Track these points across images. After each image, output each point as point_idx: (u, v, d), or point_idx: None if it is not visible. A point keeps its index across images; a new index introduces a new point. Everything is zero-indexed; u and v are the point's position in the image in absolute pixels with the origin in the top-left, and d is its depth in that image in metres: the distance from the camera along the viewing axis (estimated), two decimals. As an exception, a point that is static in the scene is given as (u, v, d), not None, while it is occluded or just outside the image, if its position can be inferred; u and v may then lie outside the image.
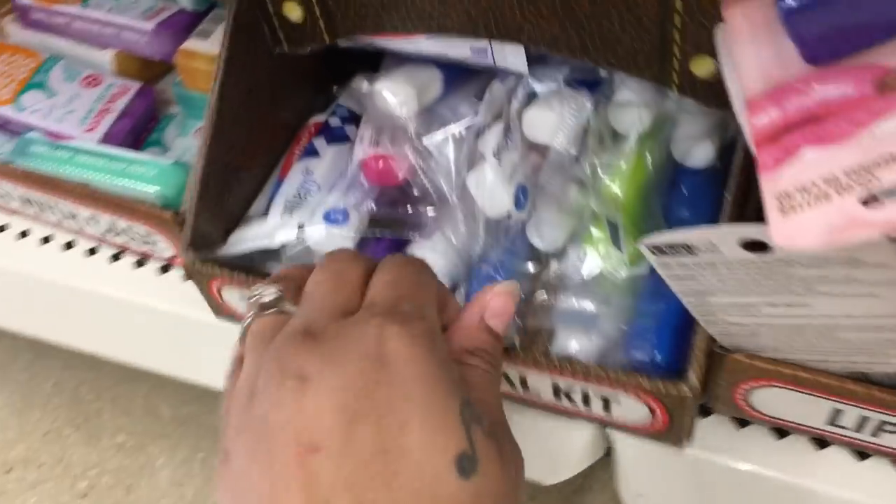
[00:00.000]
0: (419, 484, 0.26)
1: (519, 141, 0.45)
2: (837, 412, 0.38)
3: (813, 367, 0.36)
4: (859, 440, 0.40)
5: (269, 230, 0.47)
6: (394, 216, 0.47)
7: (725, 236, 0.29)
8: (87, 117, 0.58)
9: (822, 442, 0.43)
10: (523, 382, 0.41)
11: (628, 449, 0.45)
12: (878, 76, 0.26)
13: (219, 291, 0.46)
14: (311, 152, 0.50)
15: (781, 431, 0.43)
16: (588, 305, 0.43)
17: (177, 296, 0.53)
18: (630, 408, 0.39)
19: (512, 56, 0.41)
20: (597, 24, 0.37)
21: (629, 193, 0.40)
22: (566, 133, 0.41)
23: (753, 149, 0.27)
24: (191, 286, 0.47)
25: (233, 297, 0.46)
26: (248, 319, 0.32)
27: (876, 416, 0.37)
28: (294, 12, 0.43)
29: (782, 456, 0.42)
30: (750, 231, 0.28)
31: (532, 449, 0.47)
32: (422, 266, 0.34)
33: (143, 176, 0.52)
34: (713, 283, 0.32)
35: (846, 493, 0.41)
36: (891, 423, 0.38)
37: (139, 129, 0.59)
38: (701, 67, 0.37)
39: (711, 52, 0.37)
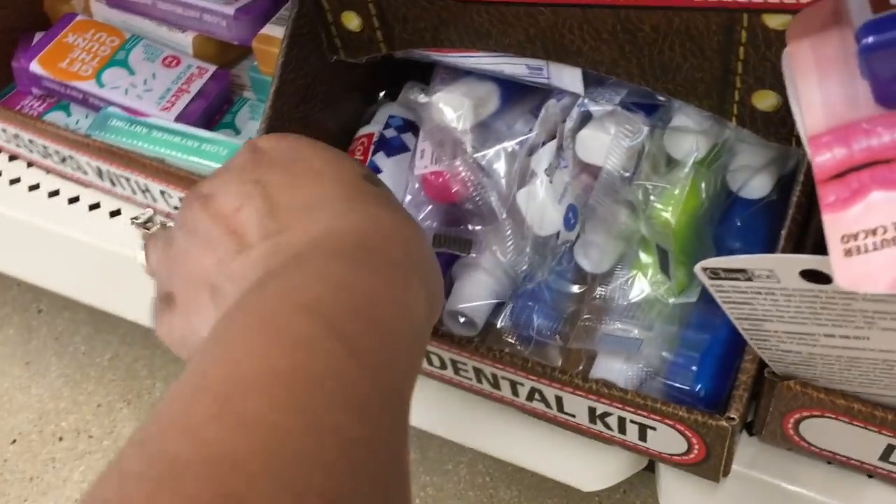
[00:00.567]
0: (341, 179, 0.33)
1: (571, 161, 0.44)
2: (892, 448, 0.37)
3: (867, 399, 0.35)
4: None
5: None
6: (452, 233, 0.47)
7: (786, 264, 0.28)
8: (164, 96, 0.60)
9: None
10: (559, 404, 0.41)
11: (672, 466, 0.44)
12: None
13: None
14: (374, 170, 0.50)
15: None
16: (632, 331, 0.42)
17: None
18: (667, 438, 0.39)
19: (568, 76, 0.41)
20: (657, 51, 0.37)
21: (681, 221, 0.40)
22: (619, 155, 0.41)
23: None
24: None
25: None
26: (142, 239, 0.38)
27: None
28: (352, 21, 0.43)
29: (833, 481, 0.41)
30: (812, 262, 0.27)
31: (572, 455, 0.47)
32: None
33: (215, 155, 0.54)
34: (769, 310, 0.31)
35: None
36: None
37: (213, 111, 0.61)
38: (763, 101, 0.37)
39: (774, 87, 0.36)
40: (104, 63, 0.61)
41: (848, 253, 0.25)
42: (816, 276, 0.29)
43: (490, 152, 0.43)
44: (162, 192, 0.56)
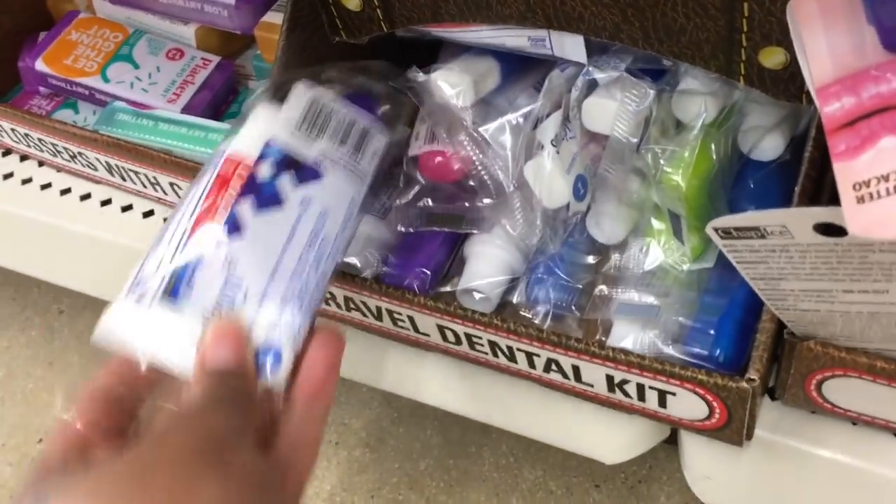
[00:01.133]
0: None
1: (578, 131, 0.44)
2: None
3: (890, 357, 0.35)
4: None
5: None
6: (451, 211, 0.47)
7: (799, 219, 0.28)
8: (169, 89, 0.60)
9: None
10: (577, 373, 0.41)
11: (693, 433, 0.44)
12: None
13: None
14: (233, 226, 0.34)
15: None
16: (648, 298, 0.42)
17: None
18: (687, 403, 0.39)
19: (571, 45, 0.40)
20: (660, 13, 0.36)
21: (692, 184, 0.39)
22: (626, 121, 0.41)
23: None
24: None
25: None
26: None
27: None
28: (351, 1, 0.43)
29: (858, 443, 0.41)
30: (825, 214, 0.27)
31: (593, 428, 0.47)
32: None
33: (221, 145, 0.54)
34: (785, 268, 0.31)
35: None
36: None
37: (219, 102, 0.61)
38: (770, 58, 0.36)
39: (781, 42, 0.35)
40: (108, 58, 0.61)
41: (860, 200, 0.24)
42: (831, 230, 0.28)
43: (493, 125, 0.43)
44: (171, 184, 0.56)
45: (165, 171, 0.54)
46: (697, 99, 0.40)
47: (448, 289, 0.47)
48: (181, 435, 0.27)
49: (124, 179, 0.59)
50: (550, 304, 0.44)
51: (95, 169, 0.60)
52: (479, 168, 0.44)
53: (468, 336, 0.43)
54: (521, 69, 0.47)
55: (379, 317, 0.46)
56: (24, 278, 1.06)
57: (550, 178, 0.43)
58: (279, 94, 0.39)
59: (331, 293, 0.46)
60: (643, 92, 0.40)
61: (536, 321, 0.44)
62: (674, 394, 0.39)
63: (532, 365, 0.43)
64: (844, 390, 0.38)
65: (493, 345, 0.43)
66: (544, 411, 0.48)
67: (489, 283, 0.45)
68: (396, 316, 0.45)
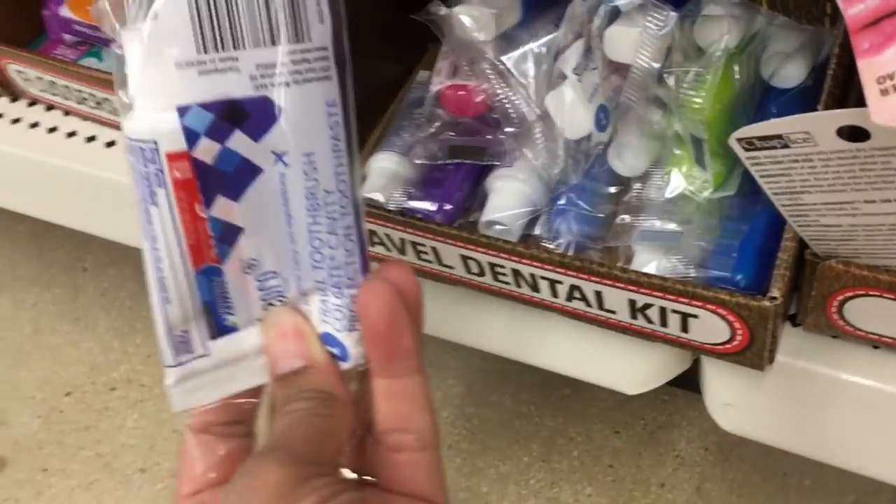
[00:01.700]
0: None
1: (600, 62, 0.44)
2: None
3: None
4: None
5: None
6: (473, 144, 0.47)
7: (821, 123, 0.28)
8: None
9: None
10: (599, 300, 0.41)
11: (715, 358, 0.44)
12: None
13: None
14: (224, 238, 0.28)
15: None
16: (669, 225, 0.42)
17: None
18: (709, 326, 0.39)
19: (593, -29, 0.40)
20: (683, -68, 0.36)
21: (715, 108, 0.39)
22: (649, 47, 0.41)
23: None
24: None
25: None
26: None
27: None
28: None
29: (880, 366, 0.41)
30: (848, 116, 0.27)
31: (614, 358, 0.48)
32: None
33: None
34: (807, 179, 0.31)
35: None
36: None
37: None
38: (792, -24, 0.36)
39: (804, -40, 0.35)
40: (133, 4, 0.62)
41: (884, 92, 0.25)
42: (854, 135, 0.29)
43: (516, 54, 0.43)
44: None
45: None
46: (721, 22, 0.40)
47: (471, 221, 0.47)
48: (258, 481, 0.24)
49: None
50: (572, 235, 0.45)
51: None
52: (502, 98, 0.44)
53: (492, 266, 0.44)
54: (542, 3, 0.47)
55: (403, 250, 0.46)
56: (48, 237, 1.08)
57: (572, 108, 0.43)
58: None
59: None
60: (666, 16, 0.40)
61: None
62: (696, 316, 0.39)
63: (555, 293, 0.43)
64: (866, 311, 0.38)
65: (516, 273, 0.43)
66: (565, 343, 0.49)
67: (511, 215, 0.45)
68: (420, 248, 0.45)
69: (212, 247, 0.27)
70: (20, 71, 0.62)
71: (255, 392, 0.29)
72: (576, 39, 0.44)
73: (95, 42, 0.63)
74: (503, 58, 0.43)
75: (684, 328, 0.40)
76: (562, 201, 0.46)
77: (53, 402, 0.94)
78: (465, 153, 0.47)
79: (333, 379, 0.27)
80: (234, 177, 0.26)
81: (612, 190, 0.46)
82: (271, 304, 0.28)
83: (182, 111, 0.25)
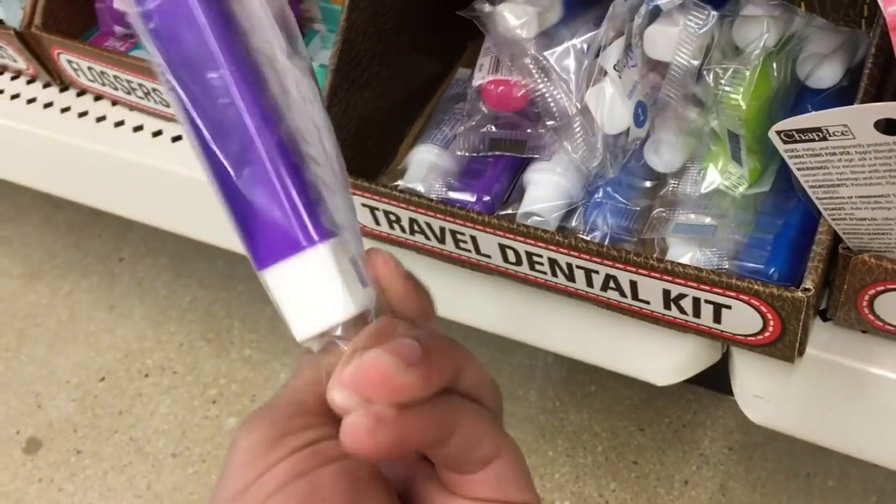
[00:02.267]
0: None
1: (640, 60, 0.45)
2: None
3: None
4: None
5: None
6: (513, 137, 0.49)
7: (860, 116, 0.29)
8: None
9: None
10: (634, 290, 0.42)
11: (746, 350, 0.45)
12: None
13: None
14: None
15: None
16: (704, 219, 0.43)
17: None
18: (742, 317, 0.40)
19: (637, -30, 0.42)
20: (726, -66, 0.38)
21: (752, 106, 0.40)
22: (689, 45, 0.42)
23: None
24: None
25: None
26: None
27: None
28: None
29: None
30: (886, 109, 0.28)
31: (645, 349, 0.49)
32: None
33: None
34: (844, 172, 0.32)
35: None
36: None
37: (285, 42, 0.63)
38: (832, -22, 0.37)
39: (843, -38, 0.37)
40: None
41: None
42: (891, 128, 0.30)
43: (558, 49, 0.45)
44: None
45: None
46: (759, 22, 0.41)
47: (509, 212, 0.49)
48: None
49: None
50: (608, 227, 0.46)
51: (168, 106, 0.62)
52: (543, 93, 0.45)
53: (529, 255, 0.45)
54: (583, 2, 0.48)
55: (442, 239, 0.48)
56: (86, 227, 1.10)
57: (611, 103, 0.44)
58: None
59: (396, 215, 0.48)
60: (706, 15, 0.41)
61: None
62: (729, 307, 0.40)
63: (590, 283, 0.44)
64: (897, 306, 0.39)
65: (552, 263, 0.44)
66: (598, 332, 0.50)
67: (547, 207, 0.47)
68: (459, 237, 0.47)
69: None
70: (71, 61, 0.64)
71: None
72: (617, 37, 0.45)
73: (145, 34, 0.65)
74: (546, 53, 0.44)
75: (717, 319, 0.42)
76: (598, 195, 0.47)
77: (88, 387, 0.96)
78: (505, 146, 0.48)
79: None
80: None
81: (648, 184, 0.47)
82: None
83: None
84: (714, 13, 0.41)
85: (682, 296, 0.41)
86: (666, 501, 0.76)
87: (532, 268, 0.46)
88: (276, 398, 0.25)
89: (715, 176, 0.44)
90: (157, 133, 0.64)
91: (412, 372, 0.21)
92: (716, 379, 0.80)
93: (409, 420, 0.21)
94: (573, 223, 0.48)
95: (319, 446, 0.24)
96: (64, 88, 0.69)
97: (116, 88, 0.64)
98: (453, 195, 0.49)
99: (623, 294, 0.44)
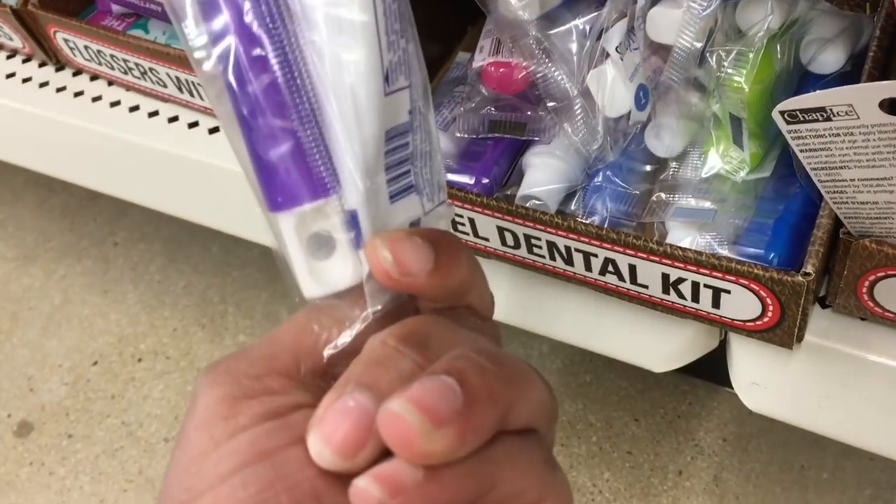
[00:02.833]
0: None
1: (642, 43, 0.45)
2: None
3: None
4: None
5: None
6: (513, 119, 0.48)
7: (865, 95, 0.29)
8: None
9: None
10: (633, 274, 0.42)
11: (744, 336, 0.45)
12: None
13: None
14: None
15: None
16: (704, 203, 0.43)
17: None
18: (740, 301, 0.40)
19: (641, -50, 0.41)
20: (731, -86, 0.37)
21: (754, 90, 0.40)
22: (691, 27, 0.41)
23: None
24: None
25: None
26: None
27: None
28: None
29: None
30: (891, 88, 0.28)
31: (642, 335, 0.48)
32: None
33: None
34: (847, 154, 0.32)
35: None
36: None
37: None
38: (837, -40, 0.37)
39: (849, -56, 0.36)
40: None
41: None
42: (895, 111, 0.29)
43: (560, 30, 0.44)
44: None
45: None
46: (763, 4, 0.41)
47: (507, 195, 0.48)
48: None
49: (192, 95, 0.61)
50: (607, 211, 0.46)
51: (165, 86, 0.62)
52: (544, 74, 0.45)
53: (527, 238, 0.45)
54: (586, -17, 0.48)
55: (440, 221, 0.47)
56: (81, 210, 1.10)
57: (613, 86, 0.44)
58: None
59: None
60: (710, -2, 0.41)
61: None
62: (728, 291, 0.40)
63: (588, 267, 0.44)
64: (897, 293, 0.39)
65: (551, 246, 0.44)
66: (595, 318, 0.50)
67: (547, 190, 0.46)
68: (457, 219, 0.46)
69: None
70: (67, 39, 0.64)
71: None
72: (619, 19, 0.45)
73: (143, 13, 0.64)
74: (548, 33, 0.44)
75: (716, 304, 0.41)
76: (598, 178, 0.46)
77: (81, 371, 0.96)
78: (505, 128, 0.48)
79: None
80: None
81: (649, 168, 0.46)
82: None
83: None
84: (718, -4, 0.41)
85: (681, 280, 0.41)
86: (660, 492, 0.76)
87: (530, 251, 0.46)
88: (249, 348, 0.22)
89: (716, 160, 0.44)
90: (154, 114, 0.64)
91: (445, 435, 0.17)
92: (711, 370, 0.80)
93: (437, 488, 0.17)
94: (572, 207, 0.47)
95: (290, 418, 0.20)
96: (60, 68, 0.69)
97: (113, 68, 0.64)
98: (452, 177, 0.49)
99: (622, 278, 0.43)
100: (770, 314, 0.40)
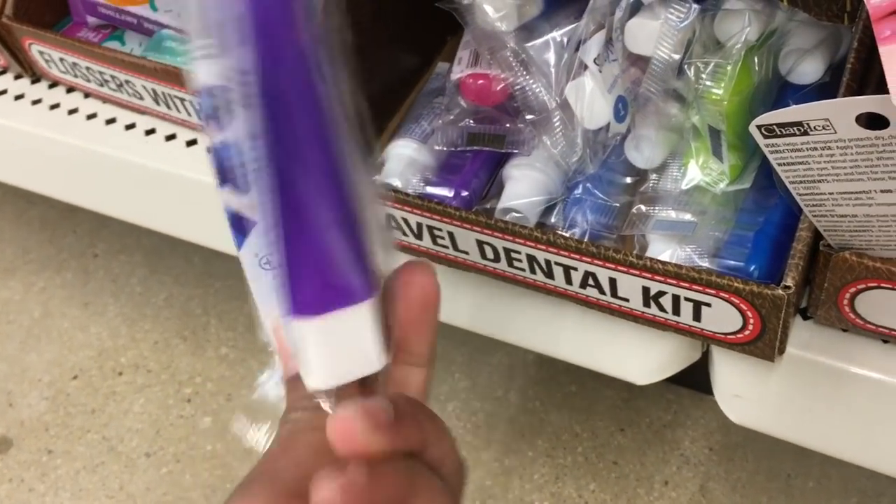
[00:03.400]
0: None
1: (620, 54, 0.45)
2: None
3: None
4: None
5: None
6: (492, 131, 0.48)
7: (842, 110, 0.29)
8: None
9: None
10: (613, 287, 0.42)
11: (726, 348, 0.44)
12: None
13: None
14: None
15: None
16: (684, 216, 0.43)
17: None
18: (721, 315, 0.40)
19: (618, -38, 0.41)
20: (708, -75, 0.37)
21: (733, 101, 0.40)
22: (669, 39, 0.41)
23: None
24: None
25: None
26: None
27: None
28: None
29: (889, 360, 0.41)
30: (868, 103, 0.28)
31: (624, 348, 0.48)
32: None
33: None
34: (825, 168, 0.32)
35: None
36: None
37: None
38: (814, -29, 0.37)
39: (826, -45, 0.36)
40: (156, -12, 0.62)
41: (907, 77, 0.25)
42: (873, 123, 0.29)
43: (538, 42, 0.44)
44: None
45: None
46: (741, 16, 0.41)
47: (487, 208, 0.48)
48: None
49: (169, 108, 0.60)
50: (588, 224, 0.45)
51: (141, 98, 0.61)
52: (522, 86, 0.45)
53: (507, 251, 0.44)
54: (564, -5, 0.48)
55: (419, 235, 0.47)
56: (61, 222, 1.09)
57: (591, 98, 0.44)
58: None
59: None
60: (687, 8, 0.41)
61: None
62: (709, 305, 0.40)
63: (569, 280, 0.44)
64: (878, 304, 0.39)
65: (531, 259, 0.44)
66: (576, 331, 0.49)
67: (527, 203, 0.46)
68: (437, 233, 0.46)
69: None
70: (43, 52, 0.63)
71: None
72: (597, 31, 0.45)
73: (119, 25, 0.64)
74: (526, 45, 0.44)
75: (697, 317, 0.41)
76: (578, 191, 0.46)
77: (60, 385, 0.94)
78: (483, 140, 0.47)
79: None
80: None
81: (629, 180, 0.46)
82: None
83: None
84: (695, 7, 0.40)
85: (661, 293, 0.41)
86: (646, 502, 0.76)
87: (510, 264, 0.45)
88: (277, 469, 0.25)
89: (696, 172, 0.43)
90: (130, 126, 0.63)
91: (378, 435, 0.21)
92: (696, 379, 0.80)
93: (373, 482, 0.21)
94: (553, 219, 0.47)
95: None
96: (35, 80, 0.68)
97: (89, 80, 0.63)
98: (431, 190, 0.48)
99: (602, 291, 0.43)
100: (751, 327, 0.40)
